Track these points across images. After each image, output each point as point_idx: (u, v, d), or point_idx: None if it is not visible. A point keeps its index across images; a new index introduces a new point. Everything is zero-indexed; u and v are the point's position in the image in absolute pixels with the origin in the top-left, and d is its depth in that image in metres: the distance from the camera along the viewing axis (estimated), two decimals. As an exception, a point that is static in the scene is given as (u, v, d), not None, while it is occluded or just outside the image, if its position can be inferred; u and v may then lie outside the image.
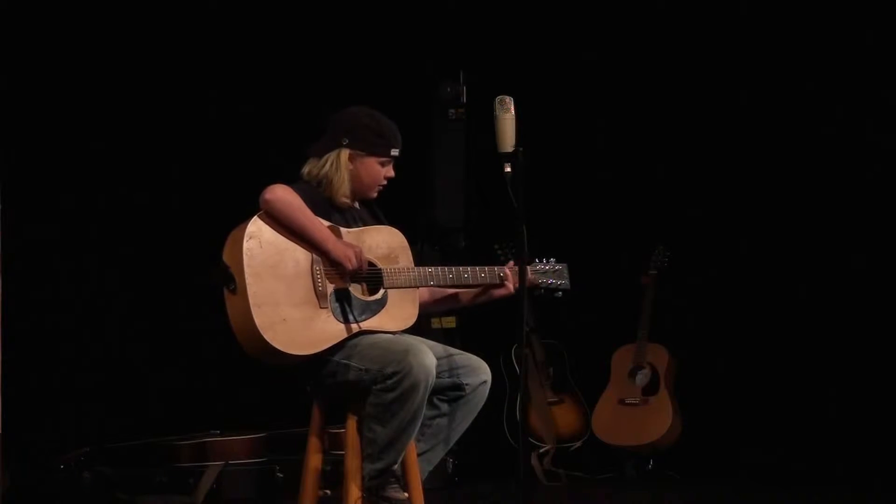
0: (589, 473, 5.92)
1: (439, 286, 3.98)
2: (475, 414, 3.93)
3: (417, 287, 3.90)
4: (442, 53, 6.15)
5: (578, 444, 6.05)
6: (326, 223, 3.80)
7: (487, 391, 3.93)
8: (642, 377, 6.04)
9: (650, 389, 6.00)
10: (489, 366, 3.96)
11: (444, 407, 3.89)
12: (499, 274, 3.99)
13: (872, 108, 5.83)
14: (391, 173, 3.97)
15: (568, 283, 4.11)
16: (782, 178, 6.04)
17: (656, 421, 5.93)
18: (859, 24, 5.83)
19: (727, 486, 5.64)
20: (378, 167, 3.93)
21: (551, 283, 4.08)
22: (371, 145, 3.90)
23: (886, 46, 5.78)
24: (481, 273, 3.96)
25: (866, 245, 5.85)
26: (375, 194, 3.98)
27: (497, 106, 3.63)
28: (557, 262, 4.11)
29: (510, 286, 3.98)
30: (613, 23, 6.27)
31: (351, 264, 3.73)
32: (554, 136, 6.13)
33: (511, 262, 4.05)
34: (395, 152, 3.94)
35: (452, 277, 3.92)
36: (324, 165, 3.89)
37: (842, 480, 5.55)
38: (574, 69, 6.32)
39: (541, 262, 4.09)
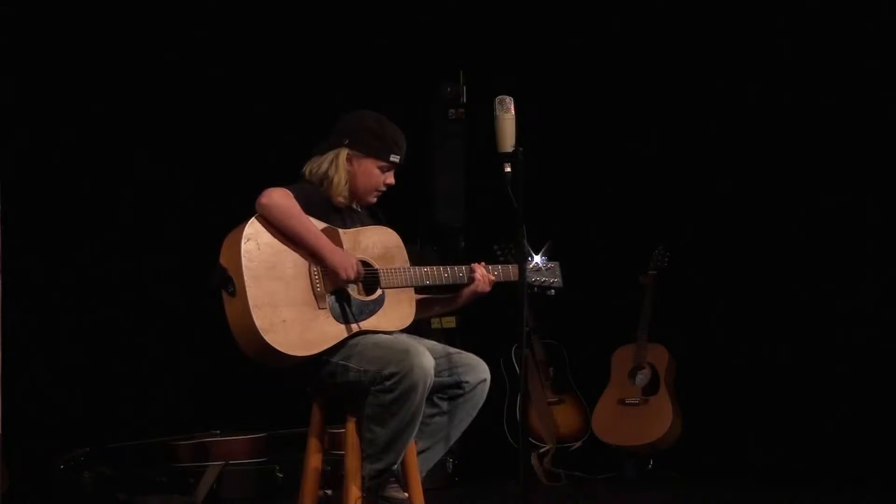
0: (589, 473, 5.92)
1: (426, 286, 3.96)
2: (475, 413, 3.93)
3: (413, 286, 3.90)
4: (442, 53, 6.15)
5: (578, 444, 6.05)
6: (323, 224, 3.80)
7: (487, 390, 3.92)
8: (642, 377, 6.04)
9: (650, 389, 6.00)
10: (489, 366, 3.95)
11: (444, 405, 3.89)
12: (468, 274, 3.94)
13: (874, 108, 5.83)
14: (391, 180, 3.95)
15: (560, 281, 4.09)
16: (783, 177, 6.03)
17: (656, 421, 5.93)
18: (864, 23, 5.82)
19: (727, 486, 5.63)
20: (376, 171, 3.91)
21: (543, 281, 4.07)
22: (370, 147, 3.89)
23: (889, 47, 5.78)
24: (459, 272, 3.93)
25: (867, 245, 5.85)
26: (373, 200, 3.96)
27: (497, 106, 3.63)
28: (550, 259, 4.10)
29: (480, 281, 3.93)
30: (614, 22, 6.26)
31: (347, 275, 3.73)
32: (554, 136, 6.12)
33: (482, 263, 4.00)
34: (394, 158, 3.92)
35: (448, 276, 3.91)
36: (323, 164, 3.90)
37: (842, 480, 5.55)
38: (574, 69, 6.32)
39: (533, 260, 4.07)
